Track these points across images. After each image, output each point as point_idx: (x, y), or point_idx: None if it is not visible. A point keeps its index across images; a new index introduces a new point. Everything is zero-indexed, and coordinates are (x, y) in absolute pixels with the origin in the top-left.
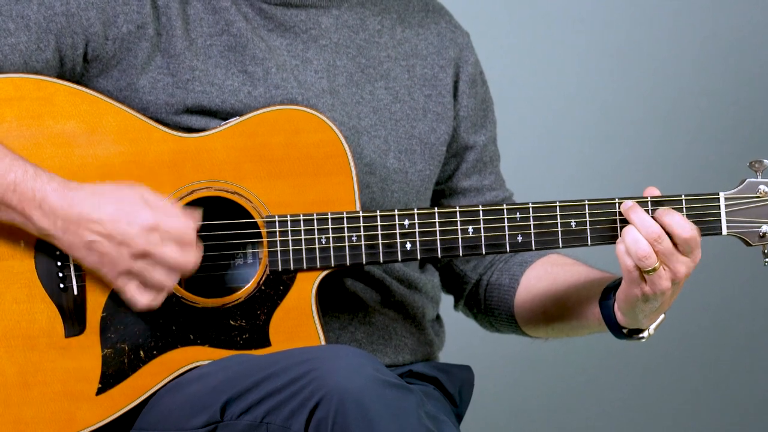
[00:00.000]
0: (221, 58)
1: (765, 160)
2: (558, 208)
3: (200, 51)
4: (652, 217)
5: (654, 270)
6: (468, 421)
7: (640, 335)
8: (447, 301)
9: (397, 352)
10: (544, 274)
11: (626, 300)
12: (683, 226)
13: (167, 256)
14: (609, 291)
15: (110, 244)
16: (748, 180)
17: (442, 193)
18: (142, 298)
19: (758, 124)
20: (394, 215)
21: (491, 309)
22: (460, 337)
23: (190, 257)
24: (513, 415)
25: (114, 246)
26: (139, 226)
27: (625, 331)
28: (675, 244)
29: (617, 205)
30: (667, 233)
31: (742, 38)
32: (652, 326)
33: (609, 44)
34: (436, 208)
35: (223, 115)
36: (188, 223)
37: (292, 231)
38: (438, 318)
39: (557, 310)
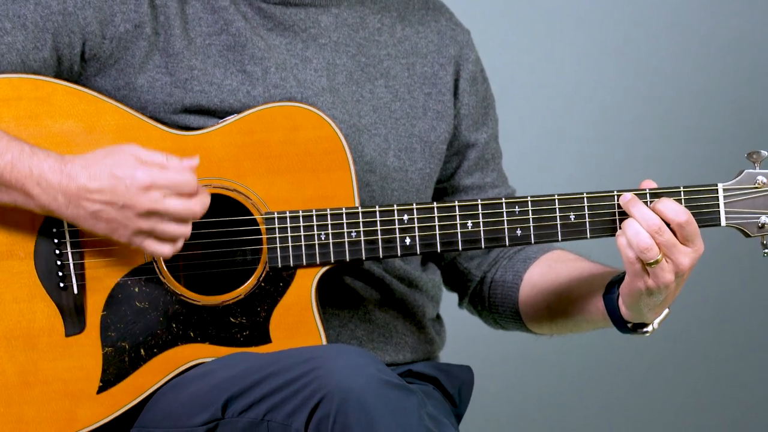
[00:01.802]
0: (220, 58)
1: (763, 151)
2: (557, 201)
3: (199, 50)
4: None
5: (656, 262)
6: (468, 421)
7: (645, 329)
8: (447, 300)
9: (398, 350)
10: (548, 270)
11: (630, 294)
12: (676, 210)
13: (172, 209)
14: (612, 285)
15: (114, 210)
16: (746, 171)
17: (445, 191)
18: (163, 250)
19: (755, 119)
20: (393, 210)
21: (495, 306)
22: (461, 337)
23: (196, 204)
24: (513, 415)
25: (118, 211)
26: (137, 186)
27: (629, 325)
28: (674, 233)
29: (616, 197)
30: (663, 221)
31: (739, 36)
32: (657, 320)
33: (608, 41)
34: (435, 203)
35: (222, 115)
36: (185, 171)
37: (291, 227)
38: (438, 317)
39: (561, 306)
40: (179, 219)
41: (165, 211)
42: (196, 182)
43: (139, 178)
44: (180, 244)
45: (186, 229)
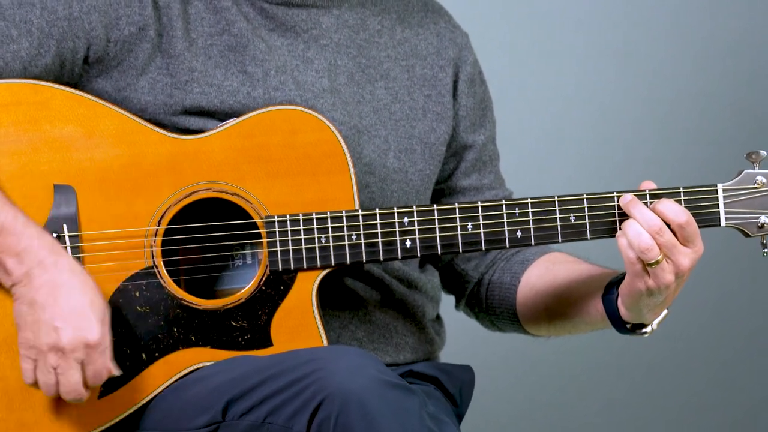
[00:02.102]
0: (221, 58)
1: (762, 152)
2: (557, 202)
3: (200, 51)
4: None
5: (657, 263)
6: (468, 422)
7: (644, 330)
8: (447, 301)
9: (398, 351)
10: (546, 272)
11: (630, 294)
12: (677, 211)
13: (69, 376)
14: (611, 286)
15: (49, 321)
16: (745, 171)
17: (442, 193)
18: (27, 377)
19: (755, 120)
20: (393, 213)
21: (493, 308)
22: (461, 337)
23: (76, 394)
24: (513, 415)
25: (49, 324)
26: (83, 336)
27: (628, 326)
28: (675, 234)
29: (616, 198)
30: (664, 222)
31: (738, 37)
32: (656, 321)
33: (607, 43)
34: (435, 205)
35: (222, 116)
36: (110, 368)
37: (291, 231)
38: (438, 318)
39: (559, 307)
40: (60, 382)
41: (65, 370)
42: (99, 384)
43: (92, 332)
44: (37, 388)
45: (49, 393)
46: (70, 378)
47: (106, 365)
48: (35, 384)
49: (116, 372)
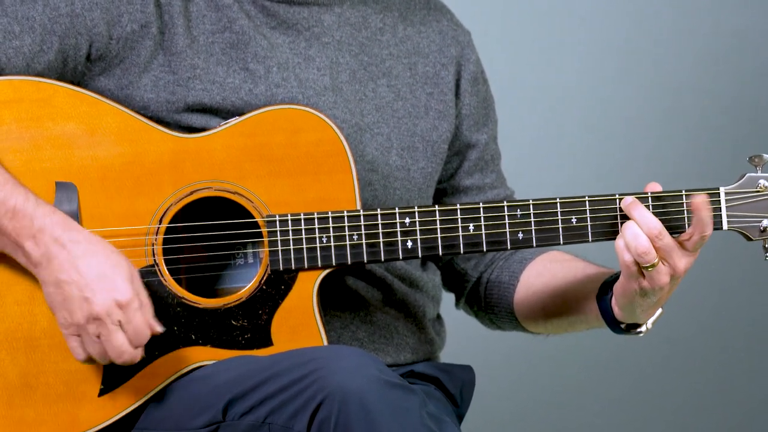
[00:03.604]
0: (223, 56)
1: (765, 155)
2: (558, 204)
3: (202, 48)
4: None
5: (653, 266)
6: (468, 422)
7: (638, 330)
8: (447, 301)
9: (399, 350)
10: (543, 271)
11: (624, 294)
12: (707, 224)
13: (113, 340)
14: (607, 286)
15: (78, 294)
16: (748, 175)
17: (444, 192)
18: (78, 355)
19: (757, 123)
20: (395, 213)
21: (491, 306)
22: (461, 337)
23: (128, 355)
24: (514, 416)
25: (79, 297)
26: (113, 297)
27: (622, 326)
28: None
29: (617, 201)
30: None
31: (741, 35)
32: (650, 321)
33: (609, 42)
34: (436, 206)
35: (224, 113)
36: (152, 324)
37: (292, 230)
38: (438, 317)
39: (556, 306)
40: (108, 349)
41: (107, 335)
42: (147, 339)
43: (121, 292)
44: (91, 362)
45: (102, 360)
46: (114, 342)
47: (146, 321)
48: (89, 359)
49: (159, 329)
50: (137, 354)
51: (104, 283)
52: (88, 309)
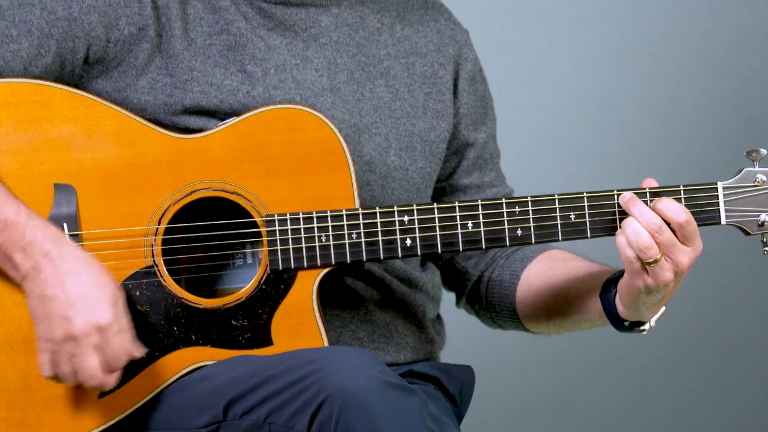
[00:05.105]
0: (220, 58)
1: (762, 150)
2: (557, 201)
3: (199, 51)
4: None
5: (656, 261)
6: (468, 422)
7: (642, 327)
8: (447, 301)
9: (399, 350)
10: (545, 269)
11: (629, 292)
12: (677, 210)
13: (86, 362)
14: (609, 284)
15: (60, 312)
16: (745, 169)
17: (443, 191)
18: (45, 371)
19: (755, 118)
20: (393, 212)
21: (493, 305)
22: (461, 337)
23: (97, 380)
24: (513, 416)
25: (60, 315)
26: (93, 319)
27: (626, 323)
28: (674, 232)
29: (616, 196)
30: (663, 220)
31: (739, 34)
32: (654, 318)
33: (606, 40)
34: (435, 204)
35: (222, 115)
36: (130, 350)
37: (292, 230)
38: (438, 317)
39: (558, 305)
40: (80, 371)
41: (81, 357)
42: (123, 365)
43: (101, 315)
44: (57, 381)
45: (72, 382)
46: (86, 364)
47: (124, 346)
48: (54, 377)
49: (138, 353)
50: (108, 380)
51: (86, 305)
52: (67, 328)
